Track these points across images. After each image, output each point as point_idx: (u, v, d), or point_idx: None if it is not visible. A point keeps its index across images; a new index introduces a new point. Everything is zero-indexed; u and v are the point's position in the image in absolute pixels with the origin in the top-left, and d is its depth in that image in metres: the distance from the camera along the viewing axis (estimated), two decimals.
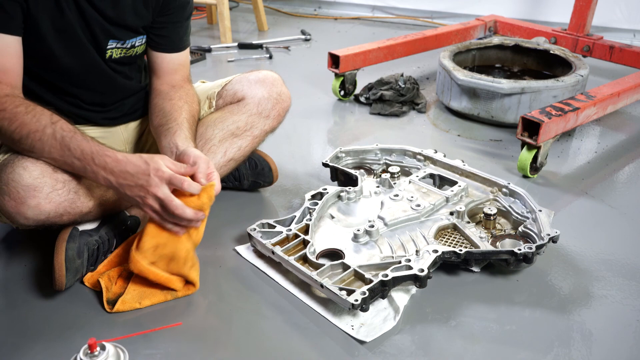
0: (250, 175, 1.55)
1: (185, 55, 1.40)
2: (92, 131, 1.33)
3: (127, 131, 1.43)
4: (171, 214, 1.08)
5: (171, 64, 1.38)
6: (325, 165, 1.57)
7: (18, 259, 1.31)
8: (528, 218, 1.33)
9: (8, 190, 1.11)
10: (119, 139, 1.41)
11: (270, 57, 2.83)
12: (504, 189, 1.43)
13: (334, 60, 2.24)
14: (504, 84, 1.94)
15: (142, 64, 1.43)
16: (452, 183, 1.47)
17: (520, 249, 1.20)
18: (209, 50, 2.89)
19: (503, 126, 2.04)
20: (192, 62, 2.72)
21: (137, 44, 1.32)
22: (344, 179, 1.54)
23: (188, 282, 1.20)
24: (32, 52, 1.18)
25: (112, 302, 1.16)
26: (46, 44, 1.19)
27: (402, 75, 2.27)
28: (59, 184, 1.14)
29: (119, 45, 1.28)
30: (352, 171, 1.52)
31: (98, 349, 0.86)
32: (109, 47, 1.27)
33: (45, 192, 1.12)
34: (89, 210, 1.20)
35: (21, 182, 1.10)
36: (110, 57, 1.28)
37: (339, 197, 1.44)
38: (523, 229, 1.31)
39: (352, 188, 1.44)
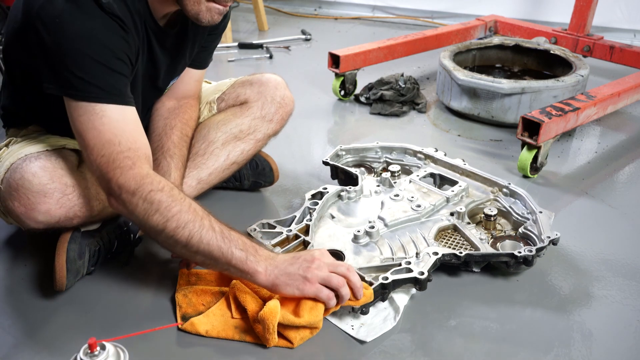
0: (251, 176, 1.55)
1: (203, 73, 1.42)
2: None
3: None
4: (342, 275, 1.05)
5: (191, 80, 1.39)
6: (325, 163, 1.57)
7: (19, 258, 1.31)
8: (528, 219, 1.33)
9: (18, 196, 1.10)
10: None
11: (271, 57, 2.83)
12: (505, 189, 1.42)
13: (334, 60, 2.23)
14: (504, 84, 1.94)
15: None
16: (453, 183, 1.46)
17: (520, 252, 1.20)
18: None
19: (503, 126, 2.04)
20: None
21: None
22: (344, 177, 1.54)
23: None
24: None
25: (187, 318, 1.11)
26: None
27: (402, 75, 2.27)
28: (68, 188, 1.14)
29: (174, 82, 1.32)
30: (353, 169, 1.52)
31: (98, 348, 0.86)
32: (168, 86, 1.31)
33: (55, 197, 1.12)
34: (98, 213, 1.20)
35: (31, 188, 1.10)
36: (164, 92, 1.33)
37: (339, 196, 1.44)
38: (523, 230, 1.31)
39: (352, 187, 1.44)
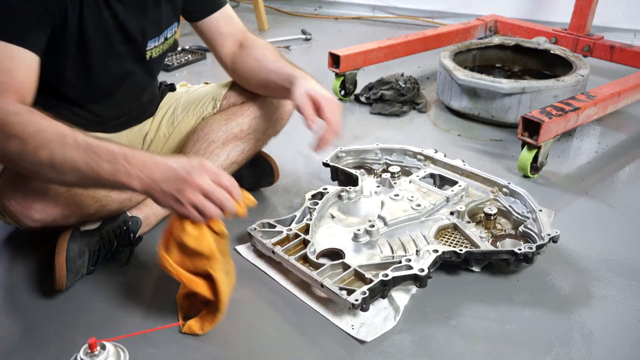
0: (251, 176, 1.55)
1: (230, 8, 1.42)
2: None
3: (131, 134, 1.43)
4: (217, 201, 0.99)
5: (223, 22, 1.40)
6: (325, 165, 1.57)
7: (18, 258, 1.31)
8: (528, 218, 1.33)
9: (14, 195, 1.11)
10: (122, 140, 1.40)
11: None
12: (504, 189, 1.42)
13: (335, 60, 2.23)
14: (505, 84, 1.94)
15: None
16: (453, 183, 1.46)
17: (520, 249, 1.20)
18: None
19: (503, 126, 2.04)
20: (192, 62, 2.71)
21: (169, 35, 1.32)
22: (345, 178, 1.54)
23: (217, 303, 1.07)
24: (66, 75, 1.15)
25: (189, 319, 1.11)
26: (87, 65, 1.18)
27: (402, 75, 2.27)
28: (63, 187, 1.14)
29: (157, 44, 1.29)
30: (353, 171, 1.52)
31: (98, 348, 0.86)
32: (148, 48, 1.27)
33: (51, 195, 1.12)
34: (95, 211, 1.20)
35: (27, 186, 1.10)
36: (150, 58, 1.29)
37: (340, 196, 1.44)
38: (523, 228, 1.31)
39: (352, 188, 1.44)
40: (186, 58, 2.72)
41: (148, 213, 1.32)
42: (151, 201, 1.27)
